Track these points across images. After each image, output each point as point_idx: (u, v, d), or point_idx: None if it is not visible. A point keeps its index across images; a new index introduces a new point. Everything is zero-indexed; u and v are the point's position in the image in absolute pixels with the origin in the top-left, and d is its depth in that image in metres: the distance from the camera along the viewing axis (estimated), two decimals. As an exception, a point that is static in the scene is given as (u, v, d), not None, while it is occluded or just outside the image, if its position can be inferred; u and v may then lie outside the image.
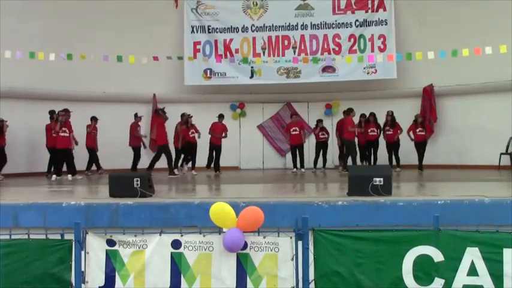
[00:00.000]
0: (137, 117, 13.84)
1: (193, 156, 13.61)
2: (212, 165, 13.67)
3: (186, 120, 13.50)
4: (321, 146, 14.12)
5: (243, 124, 16.00)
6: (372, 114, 13.73)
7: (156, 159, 12.94)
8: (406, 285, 4.76)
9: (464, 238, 4.75)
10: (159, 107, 13.51)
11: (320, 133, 14.10)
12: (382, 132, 13.69)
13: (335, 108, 15.62)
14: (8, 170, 12.75)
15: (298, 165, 13.92)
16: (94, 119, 13.66)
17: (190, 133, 13.41)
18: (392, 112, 13.65)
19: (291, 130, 14.03)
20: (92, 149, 13.60)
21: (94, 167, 13.73)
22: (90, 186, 10.54)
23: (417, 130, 13.31)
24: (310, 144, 14.77)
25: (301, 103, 15.99)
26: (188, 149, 13.55)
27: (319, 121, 14.36)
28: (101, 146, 13.62)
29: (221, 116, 13.84)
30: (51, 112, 12.81)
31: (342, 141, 13.41)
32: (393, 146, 13.55)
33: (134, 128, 13.78)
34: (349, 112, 13.15)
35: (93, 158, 13.64)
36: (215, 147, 13.62)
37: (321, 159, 14.24)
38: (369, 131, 13.72)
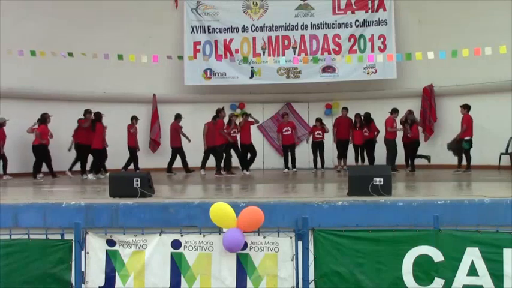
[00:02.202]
0: (178, 117, 13.86)
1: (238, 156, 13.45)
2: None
3: (229, 120, 13.48)
4: (317, 146, 14.09)
5: (243, 124, 15.99)
6: (364, 115, 13.73)
7: (220, 159, 12.96)
8: (406, 285, 4.77)
9: (464, 238, 4.76)
10: (219, 108, 13.50)
11: (316, 133, 14.08)
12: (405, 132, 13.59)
13: (335, 108, 15.60)
14: (9, 170, 12.75)
15: (290, 165, 13.93)
16: (135, 119, 13.80)
17: (232, 132, 13.34)
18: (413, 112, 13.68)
19: (283, 130, 14.04)
20: (134, 149, 13.70)
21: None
22: (90, 186, 10.53)
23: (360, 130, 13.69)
24: (309, 144, 14.78)
25: (301, 103, 15.98)
26: (229, 148, 13.42)
27: (317, 120, 14.31)
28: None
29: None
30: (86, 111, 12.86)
31: (384, 141, 13.26)
32: (415, 146, 13.28)
33: (176, 127, 13.79)
34: (392, 112, 13.18)
35: (134, 158, 13.71)
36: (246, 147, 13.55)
37: (319, 159, 14.21)
38: (363, 131, 13.76)
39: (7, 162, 12.71)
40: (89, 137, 12.64)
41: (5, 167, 12.71)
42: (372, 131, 13.66)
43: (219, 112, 13.25)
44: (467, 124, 12.34)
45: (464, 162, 12.49)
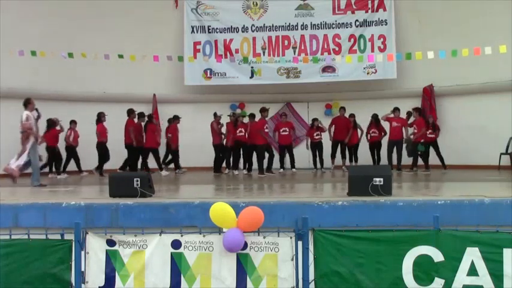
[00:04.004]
0: (217, 116, 13.91)
1: (244, 156, 13.52)
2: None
3: (236, 119, 13.50)
4: (316, 147, 14.05)
5: (243, 124, 15.97)
6: (373, 117, 13.72)
7: (262, 158, 13.14)
8: (406, 285, 4.77)
9: (464, 238, 4.76)
10: (263, 107, 13.62)
11: (314, 134, 14.06)
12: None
13: (335, 108, 15.58)
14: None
15: (289, 165, 13.87)
16: (177, 118, 14.04)
17: (238, 131, 13.38)
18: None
19: (281, 130, 13.94)
20: (173, 149, 14.03)
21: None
22: (90, 186, 10.54)
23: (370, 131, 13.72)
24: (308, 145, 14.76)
25: (301, 103, 15.97)
26: (237, 148, 13.51)
27: (315, 120, 14.27)
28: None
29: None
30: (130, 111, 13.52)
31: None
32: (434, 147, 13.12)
33: (215, 126, 13.83)
34: (393, 111, 13.38)
35: (175, 158, 14.11)
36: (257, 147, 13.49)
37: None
38: (371, 132, 13.72)
39: (62, 161, 13.31)
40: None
41: (60, 164, 13.29)
42: (380, 131, 13.64)
43: (262, 112, 13.34)
44: (421, 127, 12.71)
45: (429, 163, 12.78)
